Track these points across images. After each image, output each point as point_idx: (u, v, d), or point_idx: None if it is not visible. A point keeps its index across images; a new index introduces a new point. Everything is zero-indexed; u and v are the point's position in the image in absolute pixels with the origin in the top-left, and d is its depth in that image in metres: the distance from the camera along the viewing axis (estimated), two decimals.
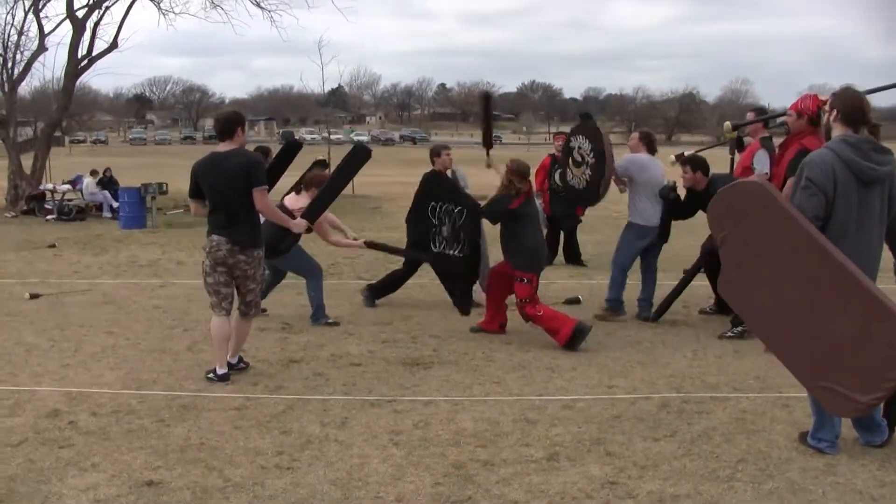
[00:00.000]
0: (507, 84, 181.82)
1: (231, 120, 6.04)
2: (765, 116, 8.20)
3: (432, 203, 7.82)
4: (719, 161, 9.79)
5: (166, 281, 10.44)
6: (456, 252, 7.63)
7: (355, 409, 5.62)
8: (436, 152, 8.58)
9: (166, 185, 18.05)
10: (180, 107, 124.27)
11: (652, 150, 8.37)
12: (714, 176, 8.11)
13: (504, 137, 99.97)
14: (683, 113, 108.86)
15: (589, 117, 8.65)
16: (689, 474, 4.56)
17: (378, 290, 9.08)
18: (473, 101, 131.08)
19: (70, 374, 6.36)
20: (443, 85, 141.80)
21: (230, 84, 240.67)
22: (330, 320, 8.03)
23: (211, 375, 6.19)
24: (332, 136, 74.10)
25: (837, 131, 4.76)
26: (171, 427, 5.21)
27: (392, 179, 31.21)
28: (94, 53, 21.29)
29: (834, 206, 4.62)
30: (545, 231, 12.02)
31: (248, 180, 5.92)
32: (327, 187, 6.92)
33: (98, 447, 4.86)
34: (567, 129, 9.86)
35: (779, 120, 7.96)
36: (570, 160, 8.34)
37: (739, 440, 5.08)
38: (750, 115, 9.09)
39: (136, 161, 43.92)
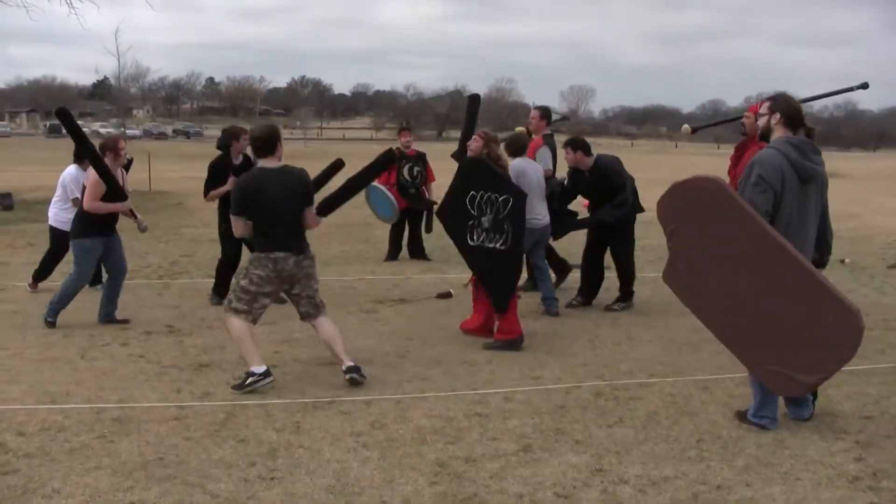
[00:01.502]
0: (277, 79, 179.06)
1: (271, 135, 6.03)
2: (721, 121, 9.00)
3: (472, 192, 7.19)
4: None
5: (4, 284, 9.54)
6: (498, 245, 7.10)
7: (299, 412, 5.41)
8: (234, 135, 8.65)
9: None
10: None
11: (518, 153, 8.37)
12: (599, 156, 8.52)
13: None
14: (454, 110, 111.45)
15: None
16: (662, 457, 4.75)
17: (219, 288, 8.69)
18: (242, 96, 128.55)
19: None
20: (211, 79, 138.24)
21: None
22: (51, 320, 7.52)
23: (250, 381, 5.81)
24: (102, 130, 70.99)
25: (778, 133, 5.12)
26: (117, 443, 4.79)
27: (179, 175, 30.01)
28: None
29: (781, 202, 4.96)
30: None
31: (306, 196, 6.08)
32: (348, 186, 6.59)
33: (48, 471, 4.39)
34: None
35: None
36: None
37: (685, 422, 5.34)
38: (534, 114, 9.61)
39: None
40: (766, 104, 5.23)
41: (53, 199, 9.30)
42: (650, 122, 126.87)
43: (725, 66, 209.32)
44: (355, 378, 5.96)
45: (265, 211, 5.91)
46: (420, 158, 11.94)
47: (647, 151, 47.70)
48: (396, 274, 10.85)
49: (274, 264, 5.92)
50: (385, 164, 6.88)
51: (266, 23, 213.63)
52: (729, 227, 4.93)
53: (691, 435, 5.11)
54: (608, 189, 8.51)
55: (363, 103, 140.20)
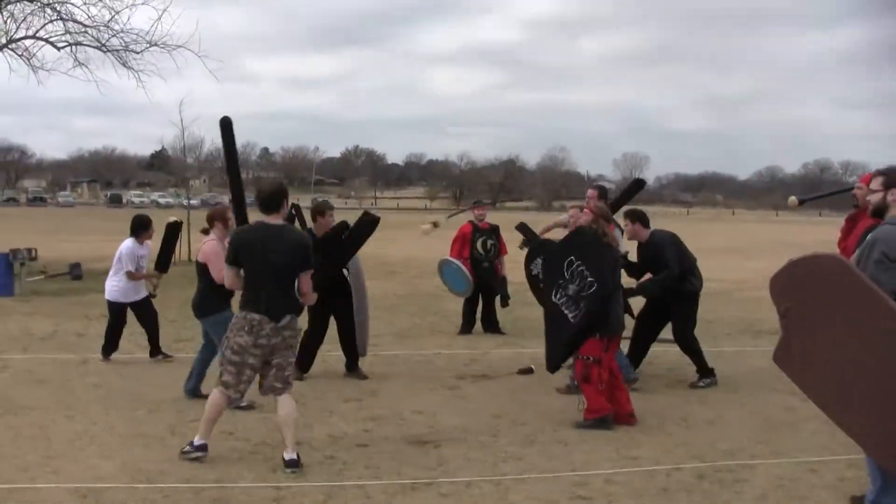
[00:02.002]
0: (330, 149, 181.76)
1: (278, 192, 5.97)
2: (830, 192, 9.05)
3: (572, 258, 7.15)
4: None
5: (84, 356, 9.61)
6: (570, 315, 7.07)
7: (398, 493, 5.33)
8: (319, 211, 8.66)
9: (35, 250, 16.79)
10: None
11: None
12: (655, 231, 8.56)
13: (332, 202, 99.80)
14: (508, 179, 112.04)
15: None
16: None
17: (300, 362, 8.21)
18: (297, 166, 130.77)
19: (62, 467, 5.70)
20: (266, 149, 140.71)
21: (49, 144, 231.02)
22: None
23: (188, 448, 5.88)
24: (161, 200, 72.80)
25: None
26: None
27: None
28: None
29: None
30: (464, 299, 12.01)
31: (305, 260, 5.91)
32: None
33: None
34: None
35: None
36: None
37: None
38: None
39: None
40: (880, 179, 5.12)
41: (110, 273, 9.44)
42: (705, 189, 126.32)
43: (780, 132, 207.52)
44: (295, 469, 5.71)
45: (257, 266, 5.82)
46: (494, 231, 11.93)
47: (703, 219, 47.43)
48: (473, 348, 10.74)
49: (250, 327, 5.75)
50: (369, 224, 6.77)
51: (319, 93, 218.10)
52: (851, 305, 4.77)
53: None
54: (656, 263, 8.49)
55: (416, 172, 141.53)
